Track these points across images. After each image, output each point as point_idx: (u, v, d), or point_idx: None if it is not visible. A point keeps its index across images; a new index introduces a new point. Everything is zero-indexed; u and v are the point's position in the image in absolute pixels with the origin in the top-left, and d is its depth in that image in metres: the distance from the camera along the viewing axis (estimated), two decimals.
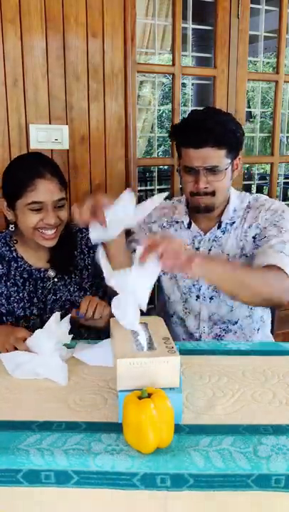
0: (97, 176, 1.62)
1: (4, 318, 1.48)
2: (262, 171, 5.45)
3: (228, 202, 1.57)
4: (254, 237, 1.53)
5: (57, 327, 1.22)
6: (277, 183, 2.93)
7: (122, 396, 0.90)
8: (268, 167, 3.09)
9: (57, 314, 1.25)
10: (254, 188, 4.45)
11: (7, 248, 1.50)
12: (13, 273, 1.48)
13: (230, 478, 0.84)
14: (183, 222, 1.62)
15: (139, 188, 2.55)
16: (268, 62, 3.77)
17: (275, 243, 1.40)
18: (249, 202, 1.59)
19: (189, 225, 1.61)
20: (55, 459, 0.85)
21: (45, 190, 1.37)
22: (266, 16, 2.67)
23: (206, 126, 1.42)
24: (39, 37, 1.98)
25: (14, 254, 1.49)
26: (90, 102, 2.11)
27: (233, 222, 1.57)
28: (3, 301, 1.47)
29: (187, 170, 1.47)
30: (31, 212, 1.38)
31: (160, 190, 5.79)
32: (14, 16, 1.93)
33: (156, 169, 3.03)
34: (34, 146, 2.04)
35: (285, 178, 3.71)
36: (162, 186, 5.01)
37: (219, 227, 1.57)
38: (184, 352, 0.97)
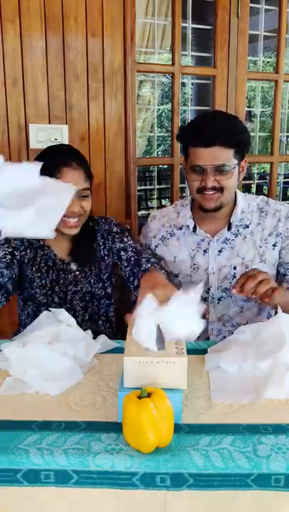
0: (96, 176, 1.63)
1: (28, 302, 1.52)
2: (262, 170, 5.46)
3: (235, 203, 1.57)
4: (274, 245, 1.56)
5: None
6: (277, 182, 2.93)
7: (122, 395, 0.90)
8: (267, 166, 3.10)
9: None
10: (254, 188, 4.45)
11: None
12: (38, 259, 1.50)
13: (230, 478, 0.84)
14: (188, 226, 1.60)
15: (138, 188, 2.56)
16: (268, 62, 3.77)
17: None
18: (258, 204, 1.60)
19: (194, 229, 1.59)
20: (55, 459, 0.85)
21: (71, 179, 1.40)
22: (266, 16, 2.67)
23: (216, 125, 1.43)
24: (39, 37, 1.98)
25: (41, 242, 1.52)
26: (90, 102, 2.11)
27: (247, 226, 1.57)
28: (27, 284, 1.50)
29: (195, 169, 1.46)
30: None
31: (160, 190, 5.81)
32: (14, 16, 1.93)
33: (155, 169, 3.03)
34: (34, 145, 2.04)
35: (285, 177, 3.71)
36: (162, 186, 5.03)
37: (229, 228, 1.56)
38: None
